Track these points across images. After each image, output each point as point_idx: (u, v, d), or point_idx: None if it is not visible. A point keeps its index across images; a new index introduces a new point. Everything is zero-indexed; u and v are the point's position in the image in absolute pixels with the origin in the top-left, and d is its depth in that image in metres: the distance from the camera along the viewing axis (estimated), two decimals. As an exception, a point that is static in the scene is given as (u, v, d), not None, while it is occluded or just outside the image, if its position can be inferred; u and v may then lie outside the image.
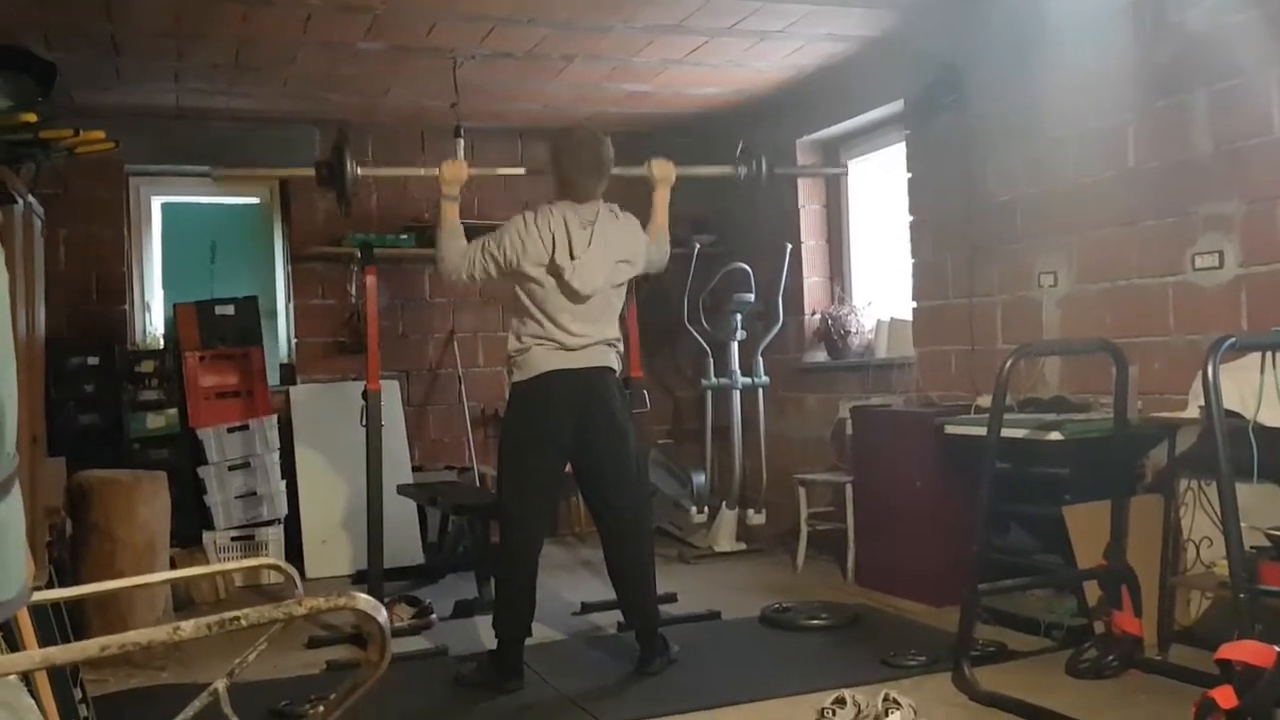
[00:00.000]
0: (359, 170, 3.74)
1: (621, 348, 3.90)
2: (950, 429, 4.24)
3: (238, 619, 1.06)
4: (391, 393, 6.09)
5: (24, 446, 3.52)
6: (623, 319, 4.05)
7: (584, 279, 3.63)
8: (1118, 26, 4.08)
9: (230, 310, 5.75)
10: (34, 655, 1.09)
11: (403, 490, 5.53)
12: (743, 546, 5.97)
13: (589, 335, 3.71)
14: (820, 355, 6.10)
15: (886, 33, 4.99)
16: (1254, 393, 3.16)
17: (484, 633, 4.06)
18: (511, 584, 3.74)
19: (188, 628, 1.05)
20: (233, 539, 5.55)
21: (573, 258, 3.61)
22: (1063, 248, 4.37)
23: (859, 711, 2.99)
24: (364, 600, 1.11)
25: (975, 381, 4.73)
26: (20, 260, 3.69)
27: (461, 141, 5.20)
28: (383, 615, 1.12)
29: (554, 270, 3.63)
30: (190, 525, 5.42)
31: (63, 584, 3.11)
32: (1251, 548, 3.14)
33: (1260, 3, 3.57)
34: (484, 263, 3.72)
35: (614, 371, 3.82)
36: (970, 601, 3.45)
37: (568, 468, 3.86)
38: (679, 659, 3.82)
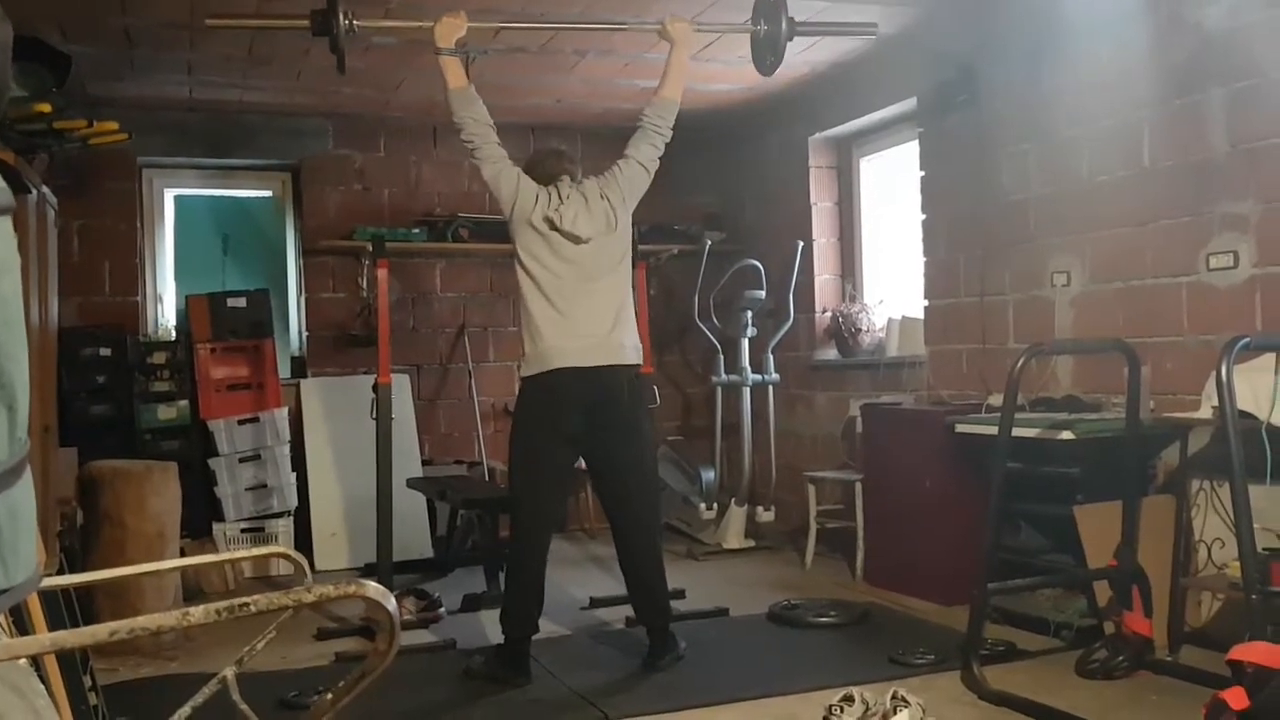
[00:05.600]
0: (355, 22, 3.56)
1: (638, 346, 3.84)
2: (961, 428, 4.22)
3: (247, 605, 1.06)
4: (402, 386, 6.11)
5: (36, 436, 3.53)
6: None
7: (574, 222, 3.69)
8: (1133, 25, 4.06)
9: (241, 303, 5.76)
10: (43, 639, 1.09)
11: (412, 484, 5.54)
12: (751, 543, 5.96)
13: (600, 318, 3.69)
14: (831, 353, 6.09)
15: (900, 30, 4.97)
16: (1268, 393, 3.15)
17: (492, 627, 4.05)
18: (520, 579, 3.74)
19: (197, 613, 1.05)
20: (243, 531, 5.56)
21: (562, 202, 3.72)
22: (1076, 247, 4.35)
23: (867, 709, 2.98)
24: (373, 588, 1.10)
25: (986, 380, 4.71)
26: (34, 250, 3.70)
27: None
28: (391, 603, 1.12)
29: (549, 221, 3.69)
30: (200, 517, 5.44)
31: (73, 572, 3.11)
32: (1264, 549, 3.14)
33: (1278, 2, 3.54)
34: (509, 171, 3.78)
35: (630, 367, 3.75)
36: (980, 600, 3.44)
37: (579, 463, 3.86)
38: (686, 655, 3.82)
